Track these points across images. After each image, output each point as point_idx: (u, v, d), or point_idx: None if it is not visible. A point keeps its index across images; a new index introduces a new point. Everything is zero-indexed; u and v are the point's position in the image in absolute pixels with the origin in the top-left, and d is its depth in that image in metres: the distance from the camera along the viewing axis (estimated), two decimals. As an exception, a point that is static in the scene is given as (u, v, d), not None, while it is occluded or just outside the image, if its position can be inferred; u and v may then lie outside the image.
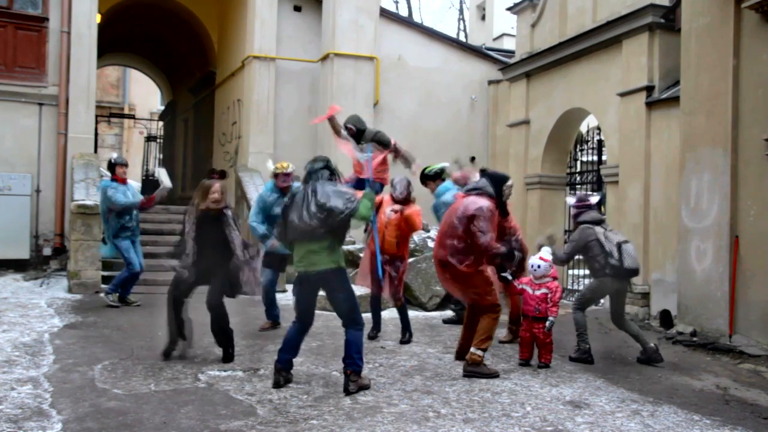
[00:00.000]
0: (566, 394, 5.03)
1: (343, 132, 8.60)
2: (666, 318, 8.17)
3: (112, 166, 8.19)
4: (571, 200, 7.05)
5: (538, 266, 5.89)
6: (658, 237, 8.58)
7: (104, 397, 4.50)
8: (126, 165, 8.27)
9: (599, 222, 6.44)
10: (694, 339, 7.15)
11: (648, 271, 8.69)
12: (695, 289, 7.41)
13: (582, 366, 6.01)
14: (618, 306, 6.41)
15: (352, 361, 4.81)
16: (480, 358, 5.41)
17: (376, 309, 6.92)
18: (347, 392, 4.74)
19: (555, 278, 5.95)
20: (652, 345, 6.36)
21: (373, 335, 6.77)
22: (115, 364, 5.37)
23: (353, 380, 4.80)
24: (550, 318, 5.78)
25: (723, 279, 7.05)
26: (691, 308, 7.45)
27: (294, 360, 5.05)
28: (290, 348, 4.98)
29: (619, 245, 6.23)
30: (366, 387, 4.89)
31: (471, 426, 4.22)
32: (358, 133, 8.37)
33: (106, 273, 9.43)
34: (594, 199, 6.67)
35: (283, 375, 4.95)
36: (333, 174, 4.91)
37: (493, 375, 5.38)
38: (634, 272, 6.35)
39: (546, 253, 6.00)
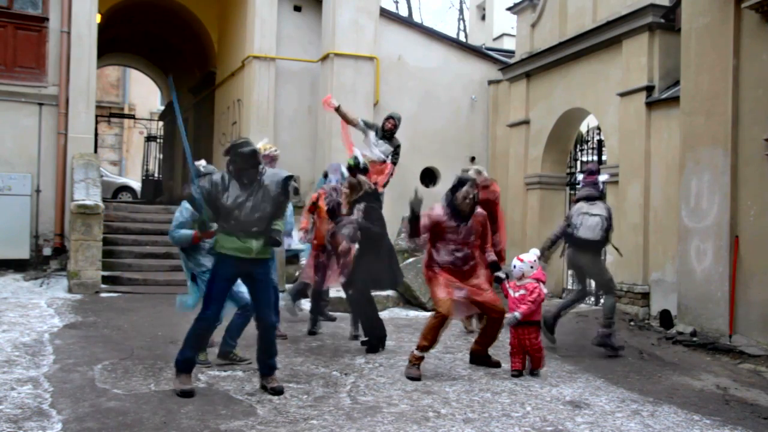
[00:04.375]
0: (566, 394, 5.03)
1: (360, 123, 8.64)
2: (666, 318, 8.17)
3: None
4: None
5: (514, 266, 5.71)
6: (658, 237, 8.58)
7: (104, 397, 4.50)
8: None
9: (586, 198, 6.79)
10: (694, 339, 7.15)
11: (648, 271, 8.69)
12: (695, 289, 7.41)
13: (582, 366, 6.02)
14: (596, 278, 6.86)
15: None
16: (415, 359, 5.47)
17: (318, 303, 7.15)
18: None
19: (539, 280, 5.68)
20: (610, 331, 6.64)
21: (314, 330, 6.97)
22: (115, 364, 5.37)
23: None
24: (515, 314, 5.53)
25: (723, 279, 7.05)
26: (691, 308, 7.45)
27: (294, 360, 5.05)
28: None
29: (581, 216, 6.65)
30: (186, 393, 4.61)
31: (471, 426, 4.22)
32: (392, 132, 8.46)
33: (106, 273, 9.44)
34: (600, 177, 7.09)
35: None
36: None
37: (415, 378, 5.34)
38: (587, 242, 6.59)
39: (528, 254, 5.83)
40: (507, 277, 5.77)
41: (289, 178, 4.73)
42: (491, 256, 5.85)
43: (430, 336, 5.47)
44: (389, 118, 8.57)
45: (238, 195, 4.59)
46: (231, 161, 4.63)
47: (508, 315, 5.58)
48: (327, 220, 6.81)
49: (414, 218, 5.53)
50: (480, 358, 5.88)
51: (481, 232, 5.75)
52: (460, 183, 5.65)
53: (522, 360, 5.62)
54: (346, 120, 8.54)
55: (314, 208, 7.11)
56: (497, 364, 5.81)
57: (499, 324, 5.79)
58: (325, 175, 7.42)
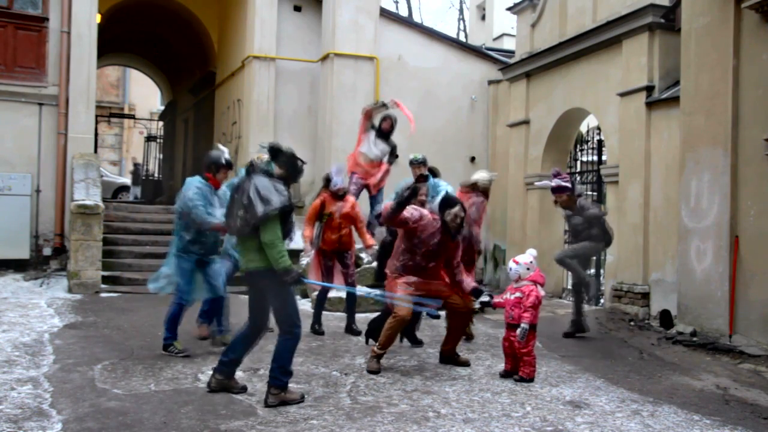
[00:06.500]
0: (566, 394, 5.03)
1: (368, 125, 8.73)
2: (666, 318, 8.17)
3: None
4: (550, 182, 7.49)
5: (510, 268, 5.55)
6: (658, 237, 8.57)
7: (104, 397, 4.51)
8: (229, 168, 6.01)
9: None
10: (694, 339, 7.15)
11: (648, 271, 8.69)
12: (695, 289, 7.41)
13: (582, 366, 6.01)
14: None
15: (274, 375, 4.49)
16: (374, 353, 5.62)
17: (322, 304, 7.21)
18: (266, 404, 4.45)
19: (536, 282, 5.47)
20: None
21: (320, 330, 7.00)
22: (115, 364, 5.38)
23: (273, 393, 4.48)
24: (522, 325, 5.32)
25: (723, 279, 7.05)
26: (691, 308, 7.45)
27: (294, 360, 5.01)
28: (231, 350, 4.74)
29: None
30: (294, 401, 4.50)
31: (471, 426, 4.22)
32: (389, 132, 8.51)
33: (106, 273, 9.43)
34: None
35: (216, 378, 4.72)
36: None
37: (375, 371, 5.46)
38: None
39: (524, 255, 5.60)
40: (491, 297, 5.76)
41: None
42: (471, 283, 5.78)
43: (389, 335, 5.60)
44: (386, 117, 8.59)
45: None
46: (282, 167, 4.54)
47: (518, 330, 5.34)
48: (335, 228, 6.97)
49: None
50: (449, 358, 5.88)
51: (450, 253, 5.68)
52: (449, 203, 5.57)
53: (513, 362, 5.49)
54: (369, 117, 8.70)
55: (320, 215, 7.06)
56: (466, 363, 5.83)
57: (465, 320, 5.87)
58: (328, 179, 7.18)
